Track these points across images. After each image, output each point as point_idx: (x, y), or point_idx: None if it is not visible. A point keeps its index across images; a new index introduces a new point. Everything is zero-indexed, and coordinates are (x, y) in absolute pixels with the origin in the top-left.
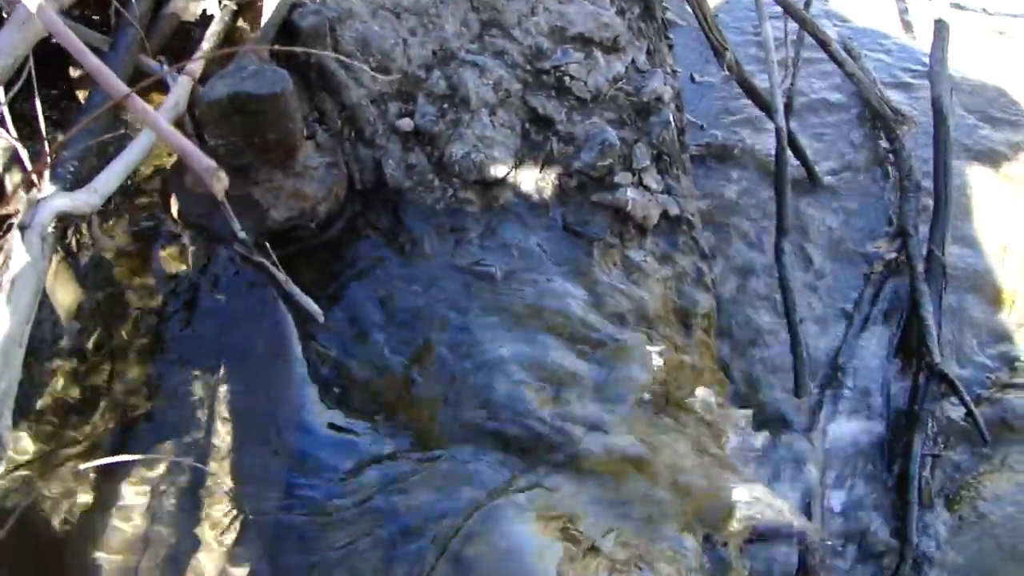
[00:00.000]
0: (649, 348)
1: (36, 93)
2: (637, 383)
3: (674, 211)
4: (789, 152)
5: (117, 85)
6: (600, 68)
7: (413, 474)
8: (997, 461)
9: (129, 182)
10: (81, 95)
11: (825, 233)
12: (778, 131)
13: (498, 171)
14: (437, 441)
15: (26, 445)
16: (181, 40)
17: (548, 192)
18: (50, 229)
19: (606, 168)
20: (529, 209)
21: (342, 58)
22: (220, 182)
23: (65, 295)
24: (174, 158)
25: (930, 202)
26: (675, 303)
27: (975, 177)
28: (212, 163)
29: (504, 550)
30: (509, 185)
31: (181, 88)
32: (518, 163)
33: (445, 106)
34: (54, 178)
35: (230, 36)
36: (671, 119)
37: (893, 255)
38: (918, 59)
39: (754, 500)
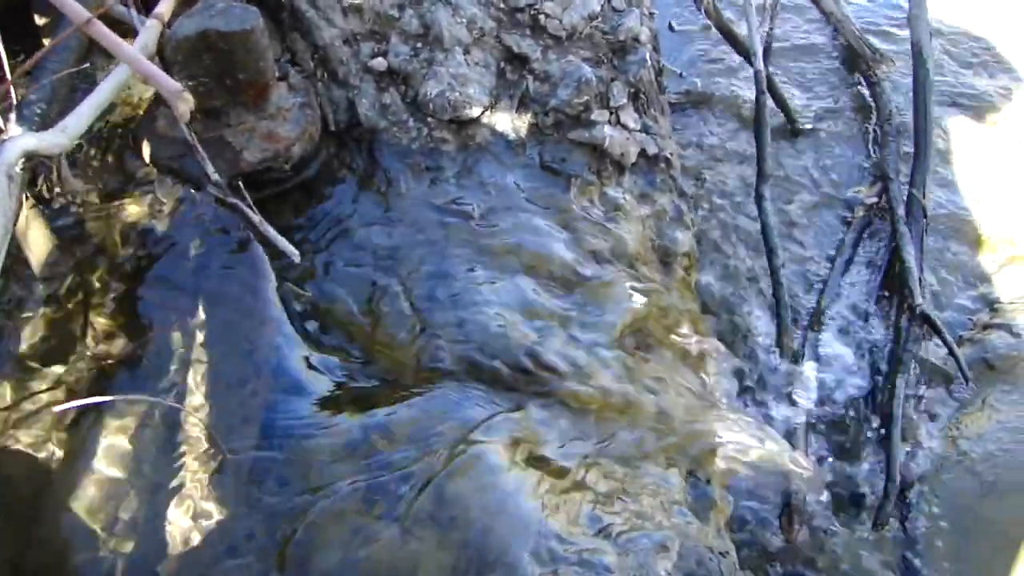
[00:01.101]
0: (629, 286)
1: None
2: (617, 321)
3: (652, 150)
4: (769, 98)
5: (78, 11)
6: (575, 6)
7: (392, 412)
8: (979, 401)
9: (100, 127)
10: (48, 42)
11: (806, 178)
12: (757, 75)
13: (473, 110)
14: (416, 378)
15: (0, 392)
16: None
17: (524, 130)
18: (18, 169)
19: (582, 106)
20: (506, 147)
21: None
22: (186, 103)
23: (37, 242)
24: (146, 101)
25: (910, 146)
26: (654, 241)
27: (955, 122)
28: (178, 85)
29: (486, 485)
30: (485, 124)
31: (150, 31)
32: (493, 101)
33: (418, 45)
34: (21, 120)
35: None
36: (648, 58)
37: (874, 199)
38: (898, 5)
39: (738, 438)
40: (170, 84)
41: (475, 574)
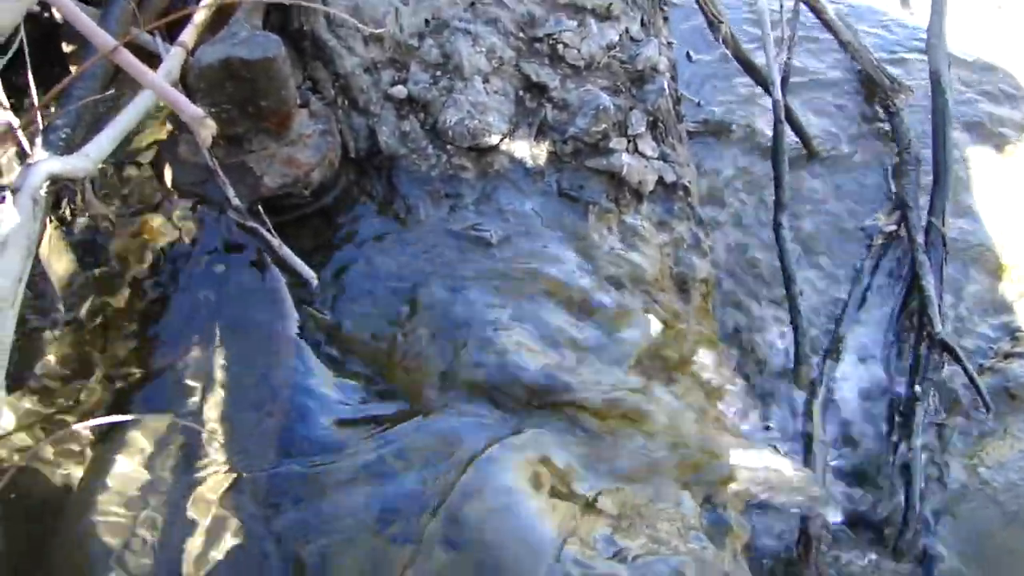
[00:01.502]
0: (647, 313)
1: (28, 62)
2: (634, 347)
3: (670, 178)
4: (787, 127)
5: (104, 39)
6: (593, 35)
7: (408, 434)
8: (1000, 429)
9: (123, 153)
10: (75, 70)
11: (824, 207)
12: (775, 104)
13: (492, 137)
14: (433, 402)
15: (21, 412)
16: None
17: (543, 158)
18: (42, 192)
19: (600, 134)
20: (524, 175)
21: (330, 10)
22: (207, 129)
23: (60, 264)
24: (168, 128)
25: (929, 175)
26: (672, 269)
27: (974, 150)
28: (200, 111)
29: (501, 508)
30: (504, 151)
31: (174, 59)
32: (512, 129)
33: (438, 74)
34: (46, 145)
35: (223, 8)
36: (666, 87)
37: (893, 228)
38: (916, 36)
39: (755, 464)
40: (192, 110)
41: None
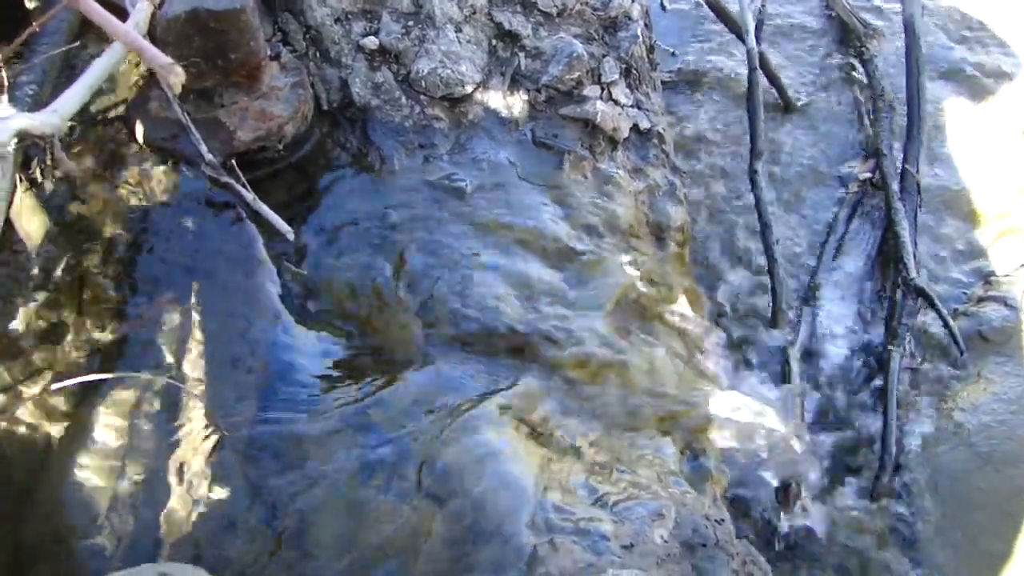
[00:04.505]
0: (623, 260)
1: None
2: (611, 294)
3: (644, 124)
4: (761, 75)
5: None
6: None
7: (388, 386)
8: (973, 372)
9: (93, 109)
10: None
11: (799, 155)
12: (749, 52)
13: (466, 87)
14: (412, 353)
15: None
16: None
17: (517, 106)
18: (10, 149)
19: (574, 81)
20: (498, 123)
21: None
22: (177, 77)
23: (32, 224)
24: (139, 84)
25: (904, 122)
26: (648, 216)
27: (948, 97)
28: (168, 59)
29: (483, 457)
30: (477, 101)
31: (141, 12)
32: (486, 78)
33: (410, 23)
34: (12, 101)
35: None
36: (639, 34)
37: (868, 175)
38: None
39: (734, 410)
40: (161, 58)
41: (473, 544)
